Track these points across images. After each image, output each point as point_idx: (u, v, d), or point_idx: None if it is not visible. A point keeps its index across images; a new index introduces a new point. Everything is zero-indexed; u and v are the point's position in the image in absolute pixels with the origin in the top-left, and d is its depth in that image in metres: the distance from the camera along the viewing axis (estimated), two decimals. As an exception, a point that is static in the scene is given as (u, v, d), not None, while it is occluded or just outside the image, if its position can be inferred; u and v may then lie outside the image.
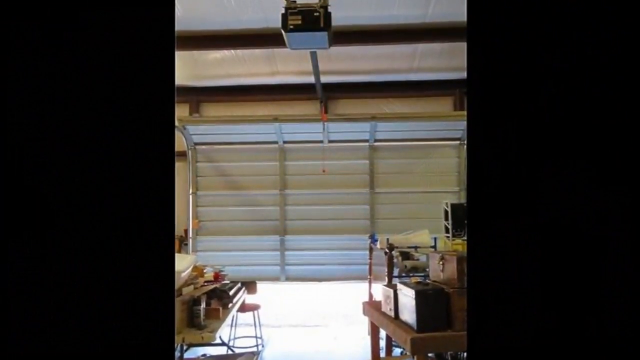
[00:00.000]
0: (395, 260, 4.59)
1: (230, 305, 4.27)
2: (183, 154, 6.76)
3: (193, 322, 3.60)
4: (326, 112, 6.57)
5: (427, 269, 3.83)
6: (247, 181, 6.86)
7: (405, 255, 4.85)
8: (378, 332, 3.64)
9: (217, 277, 4.64)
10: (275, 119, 6.49)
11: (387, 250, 4.51)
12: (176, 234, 6.58)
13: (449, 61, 5.90)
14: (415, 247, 4.98)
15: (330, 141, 6.72)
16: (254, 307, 5.14)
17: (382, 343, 3.83)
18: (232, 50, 5.69)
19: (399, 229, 5.58)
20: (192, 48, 5.40)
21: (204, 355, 4.92)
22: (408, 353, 2.71)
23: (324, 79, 5.97)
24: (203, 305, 3.68)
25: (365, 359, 4.47)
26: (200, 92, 6.83)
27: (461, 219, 5.05)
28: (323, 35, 3.45)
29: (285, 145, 6.84)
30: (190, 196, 6.82)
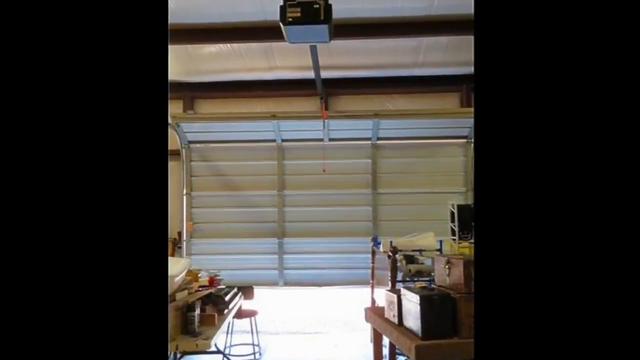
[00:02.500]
0: (399, 264, 4.59)
1: (226, 311, 4.27)
2: (176, 153, 6.76)
3: (187, 328, 3.60)
4: (326, 109, 6.57)
5: (433, 273, 3.84)
6: (244, 181, 6.87)
7: (410, 259, 4.85)
8: (381, 339, 3.65)
9: (212, 281, 4.64)
10: (273, 116, 6.49)
11: (391, 254, 4.51)
12: (169, 236, 6.58)
13: (455, 55, 5.90)
14: (420, 250, 4.99)
15: (330, 139, 6.72)
16: (251, 313, 5.14)
17: (385, 351, 3.82)
18: (228, 44, 5.69)
19: (402, 232, 5.59)
20: (186, 42, 5.41)
21: (198, 363, 4.92)
22: (412, 361, 2.71)
23: (324, 74, 5.97)
24: (197, 311, 3.68)
25: (367, 368, 4.47)
26: (194, 88, 6.84)
27: (468, 220, 5.06)
28: (323, 29, 3.46)
29: (284, 143, 6.84)
30: (184, 197, 6.82)
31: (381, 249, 5.16)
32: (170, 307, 3.38)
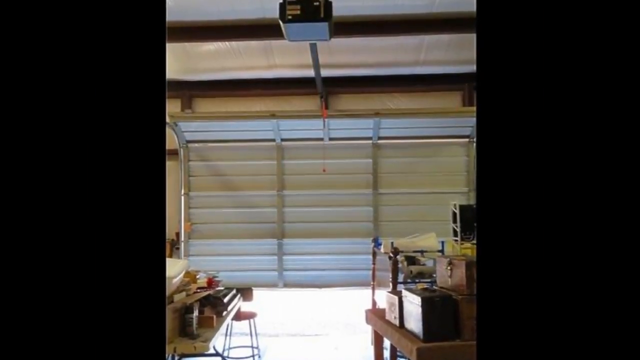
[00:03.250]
0: (400, 265, 4.58)
1: (224, 313, 4.27)
2: (174, 153, 6.76)
3: (185, 331, 3.60)
4: (327, 108, 6.57)
5: (434, 275, 3.83)
6: (243, 181, 6.87)
7: (411, 260, 4.85)
8: (382, 341, 3.65)
9: (211, 283, 4.64)
10: (273, 115, 6.49)
11: (392, 255, 4.51)
12: (167, 237, 6.58)
13: (457, 54, 5.90)
14: (422, 252, 4.98)
15: (331, 139, 6.72)
16: (249, 315, 5.14)
17: (386, 353, 3.82)
18: (227, 42, 5.69)
19: (404, 232, 5.58)
20: (184, 40, 5.40)
21: (196, 366, 4.92)
22: (414, 364, 2.71)
23: (325, 72, 5.97)
24: (196, 313, 3.69)
25: (368, 371, 4.47)
26: (192, 87, 6.84)
27: (470, 221, 5.06)
28: (323, 26, 3.46)
29: (283, 143, 6.84)
30: (182, 197, 6.82)
31: (382, 250, 5.16)
32: (168, 309, 3.38)
